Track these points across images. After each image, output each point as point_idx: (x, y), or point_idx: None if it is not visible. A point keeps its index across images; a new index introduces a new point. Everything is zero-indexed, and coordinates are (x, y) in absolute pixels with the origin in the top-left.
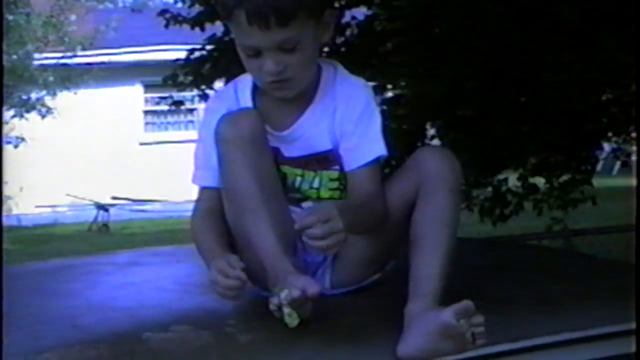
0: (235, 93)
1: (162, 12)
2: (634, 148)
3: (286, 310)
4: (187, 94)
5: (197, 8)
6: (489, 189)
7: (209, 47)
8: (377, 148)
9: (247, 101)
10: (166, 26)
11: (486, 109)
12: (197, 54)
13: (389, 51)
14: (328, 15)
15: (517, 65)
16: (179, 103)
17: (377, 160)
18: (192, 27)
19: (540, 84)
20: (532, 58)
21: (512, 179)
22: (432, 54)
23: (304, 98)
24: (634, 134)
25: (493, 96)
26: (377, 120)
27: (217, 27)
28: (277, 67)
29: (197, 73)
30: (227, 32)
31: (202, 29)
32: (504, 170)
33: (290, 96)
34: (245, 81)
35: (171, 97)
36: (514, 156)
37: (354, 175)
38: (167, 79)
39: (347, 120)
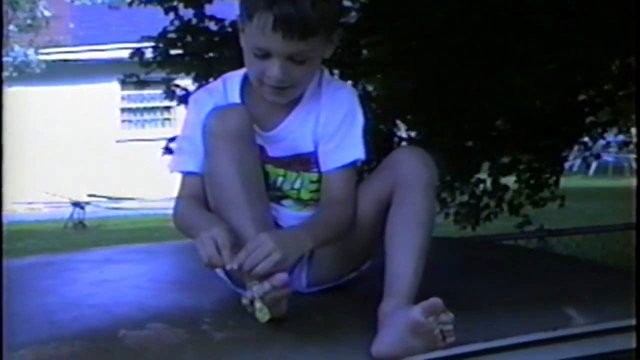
0: (224, 89)
1: None
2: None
3: (257, 304)
4: (157, 91)
5: None
6: (464, 194)
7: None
8: (355, 152)
9: (235, 98)
10: (130, 4)
11: (459, 109)
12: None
13: (361, 47)
14: (336, 35)
15: (491, 64)
16: (145, 83)
17: (353, 163)
18: (166, 13)
19: (513, 84)
20: (506, 58)
21: (489, 182)
22: (404, 52)
23: (291, 100)
24: (606, 135)
25: (467, 96)
26: (359, 125)
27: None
28: (282, 75)
29: (165, 54)
30: (201, 19)
31: (177, 14)
32: (479, 172)
33: (283, 103)
34: (234, 78)
35: (141, 79)
36: (487, 156)
37: (329, 177)
38: (133, 55)
39: (330, 122)
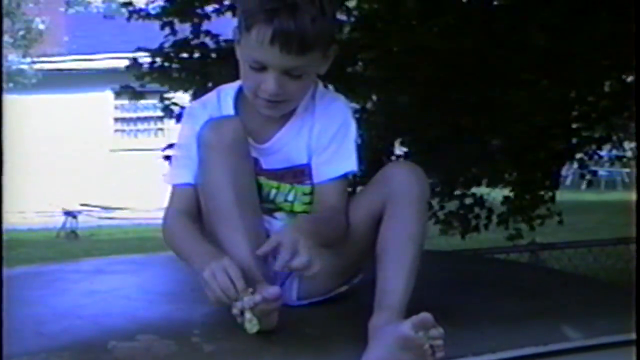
0: (219, 101)
1: (125, 4)
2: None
3: (247, 315)
4: (151, 101)
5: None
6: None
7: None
8: (348, 164)
9: (229, 110)
10: (128, 19)
11: (455, 127)
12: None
13: (355, 63)
14: (332, 50)
15: (486, 82)
16: (140, 95)
17: (345, 175)
18: (162, 28)
19: (509, 101)
20: (501, 76)
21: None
22: (401, 70)
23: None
24: (600, 151)
25: (462, 112)
26: (352, 137)
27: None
28: (277, 89)
29: (162, 72)
30: (196, 35)
31: (173, 30)
32: (476, 187)
33: (276, 116)
34: (228, 90)
35: (136, 89)
36: (482, 170)
37: (321, 189)
38: (130, 67)
39: (324, 135)
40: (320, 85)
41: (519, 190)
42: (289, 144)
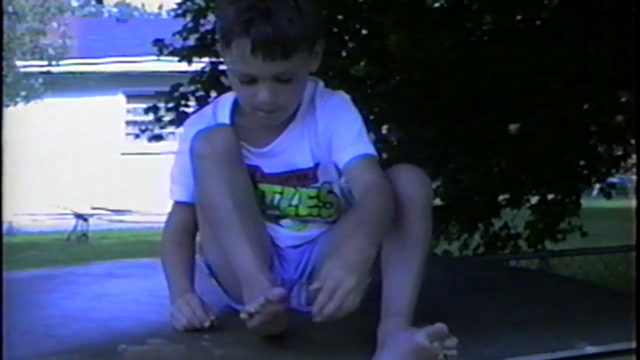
0: (214, 112)
1: (156, 41)
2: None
3: (254, 317)
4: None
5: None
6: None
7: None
8: (366, 148)
9: (225, 119)
10: (158, 56)
11: (475, 153)
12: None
13: (373, 96)
14: (319, 46)
15: (508, 104)
16: (159, 137)
17: (370, 155)
18: (180, 60)
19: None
20: (522, 95)
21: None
22: (421, 95)
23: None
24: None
25: (481, 140)
26: (359, 124)
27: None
28: (272, 98)
29: (178, 110)
30: (213, 70)
31: (190, 63)
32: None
33: (276, 123)
34: (225, 100)
35: (150, 130)
36: (510, 197)
37: (351, 167)
38: (148, 111)
39: (330, 126)
40: (320, 85)
41: (539, 214)
42: (291, 147)
